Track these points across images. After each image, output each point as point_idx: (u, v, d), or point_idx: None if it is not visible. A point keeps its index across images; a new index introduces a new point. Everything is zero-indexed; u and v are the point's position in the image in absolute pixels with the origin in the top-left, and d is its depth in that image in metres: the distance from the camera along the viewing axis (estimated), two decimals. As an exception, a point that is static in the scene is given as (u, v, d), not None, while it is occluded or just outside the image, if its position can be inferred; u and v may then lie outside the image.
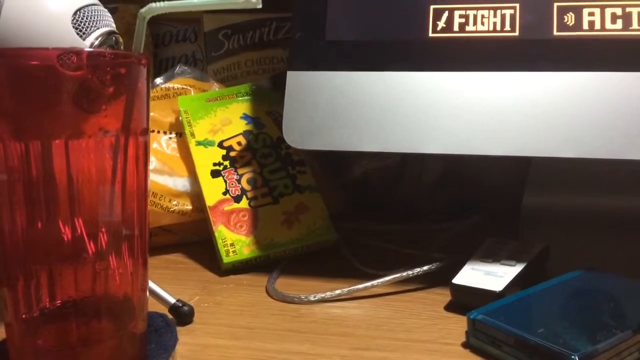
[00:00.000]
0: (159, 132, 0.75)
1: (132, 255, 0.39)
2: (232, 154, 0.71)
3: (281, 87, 0.61)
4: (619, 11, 0.53)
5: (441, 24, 0.57)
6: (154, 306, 0.49)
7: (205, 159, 0.70)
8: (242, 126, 0.73)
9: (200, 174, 0.69)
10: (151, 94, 0.76)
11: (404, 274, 0.56)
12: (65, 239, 0.37)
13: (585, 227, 0.65)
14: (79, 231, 0.37)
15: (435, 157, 0.56)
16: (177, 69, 0.82)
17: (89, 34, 0.45)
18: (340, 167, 0.73)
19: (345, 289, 0.56)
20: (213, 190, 0.68)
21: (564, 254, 0.59)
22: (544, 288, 0.51)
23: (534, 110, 0.54)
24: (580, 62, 0.53)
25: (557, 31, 0.54)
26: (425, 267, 0.57)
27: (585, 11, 0.54)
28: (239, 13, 0.88)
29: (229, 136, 0.72)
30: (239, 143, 0.72)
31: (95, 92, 0.37)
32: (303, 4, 0.62)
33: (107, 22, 0.47)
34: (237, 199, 0.68)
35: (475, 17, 0.57)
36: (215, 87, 0.81)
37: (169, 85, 0.79)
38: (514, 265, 0.54)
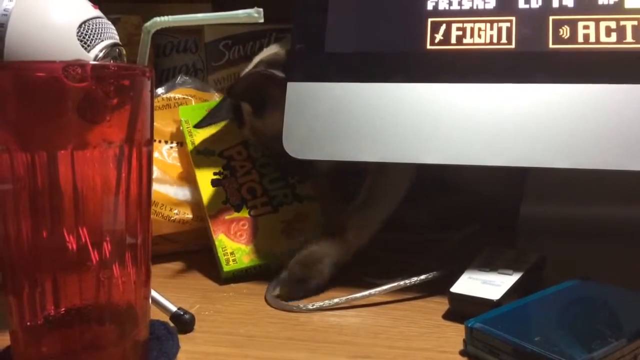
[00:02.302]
0: (160, 141, 0.76)
1: (136, 264, 0.40)
2: (233, 163, 0.71)
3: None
4: (613, 24, 0.54)
5: (439, 36, 0.58)
6: (155, 314, 0.50)
7: (206, 168, 0.71)
8: (242, 136, 0.73)
9: (201, 183, 0.70)
10: (152, 104, 0.77)
11: (402, 282, 0.57)
12: (70, 247, 0.38)
13: (582, 237, 0.66)
14: (84, 240, 0.38)
15: (433, 167, 0.56)
16: (178, 79, 0.83)
17: (94, 47, 0.46)
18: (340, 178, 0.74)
19: (344, 298, 0.56)
20: (213, 199, 0.68)
21: (561, 264, 0.59)
22: (540, 297, 0.51)
23: (530, 122, 0.54)
24: (575, 74, 0.54)
25: (553, 44, 0.55)
26: (423, 276, 0.57)
27: (580, 24, 0.55)
28: (239, 24, 0.89)
29: (229, 146, 0.73)
30: (239, 152, 0.72)
31: (99, 103, 0.38)
32: (303, 16, 0.63)
33: (110, 35, 0.48)
34: (237, 208, 0.68)
35: (472, 29, 0.57)
36: (216, 97, 0.82)
37: (170, 95, 0.80)
38: (511, 275, 0.55)
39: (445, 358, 0.47)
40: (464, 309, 0.52)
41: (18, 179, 0.37)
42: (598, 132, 0.52)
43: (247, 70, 0.72)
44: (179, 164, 0.75)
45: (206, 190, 0.69)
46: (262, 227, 0.67)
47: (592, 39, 0.54)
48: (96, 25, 0.47)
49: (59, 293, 0.38)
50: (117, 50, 0.48)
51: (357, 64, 0.60)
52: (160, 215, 0.71)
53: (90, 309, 0.39)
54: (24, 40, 0.44)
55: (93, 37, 0.46)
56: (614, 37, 0.54)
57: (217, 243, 0.65)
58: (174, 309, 0.52)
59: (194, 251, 0.73)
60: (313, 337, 0.51)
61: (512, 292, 0.52)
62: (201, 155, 0.72)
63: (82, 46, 0.46)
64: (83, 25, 0.46)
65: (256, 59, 0.72)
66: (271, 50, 0.72)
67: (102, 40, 0.47)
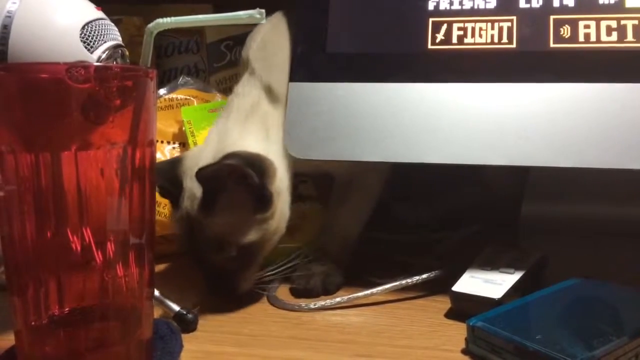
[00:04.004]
0: (162, 142, 0.76)
1: (139, 264, 0.40)
2: (235, 163, 0.71)
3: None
4: (614, 24, 0.54)
5: (440, 36, 0.58)
6: (158, 314, 0.50)
7: (208, 168, 0.70)
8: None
9: (203, 184, 0.69)
10: (155, 105, 0.77)
11: (404, 282, 0.57)
12: (74, 248, 0.38)
13: (583, 235, 0.66)
14: (88, 240, 0.38)
15: (434, 167, 0.56)
16: (180, 79, 0.84)
17: (97, 48, 0.46)
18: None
19: (346, 297, 0.56)
20: (216, 200, 0.68)
21: (562, 262, 0.59)
22: (542, 295, 0.51)
23: (531, 121, 0.54)
24: (576, 73, 0.54)
25: (554, 43, 0.55)
26: (424, 275, 0.57)
27: (581, 24, 0.55)
28: (241, 25, 0.89)
29: (232, 146, 0.73)
30: (241, 153, 0.72)
31: (102, 104, 0.38)
32: (304, 17, 0.64)
33: (113, 36, 0.49)
34: (240, 208, 0.68)
35: (473, 29, 0.58)
36: (218, 98, 0.82)
37: (173, 95, 0.80)
38: (512, 273, 0.55)
39: (447, 357, 0.47)
40: (465, 308, 0.52)
41: (22, 180, 0.37)
42: (599, 131, 0.53)
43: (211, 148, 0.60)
44: (181, 165, 0.75)
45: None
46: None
47: (593, 38, 0.54)
48: (99, 26, 0.47)
49: (63, 293, 0.39)
50: (120, 51, 0.49)
51: (358, 64, 0.60)
52: (163, 215, 0.71)
53: (94, 308, 0.39)
54: (27, 42, 0.44)
55: (96, 38, 0.46)
56: (614, 36, 0.54)
57: (219, 243, 0.65)
58: (177, 308, 0.52)
59: (196, 251, 0.73)
60: (315, 336, 0.51)
61: (514, 291, 0.53)
62: (203, 155, 0.72)
63: (85, 47, 0.46)
64: (86, 27, 0.46)
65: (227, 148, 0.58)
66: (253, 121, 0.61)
67: (105, 42, 0.47)
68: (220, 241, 0.55)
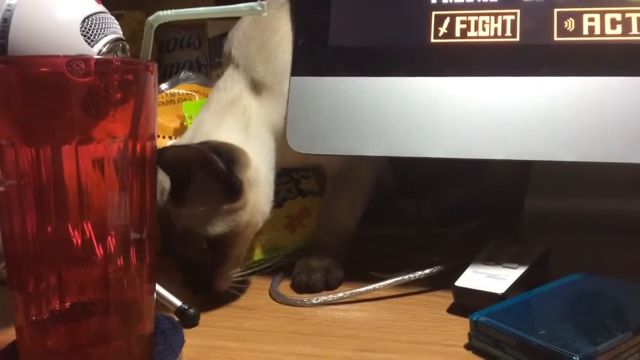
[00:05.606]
0: (164, 137, 0.76)
1: (140, 259, 0.40)
2: (236, 158, 0.71)
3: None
4: (618, 17, 0.54)
5: (443, 29, 0.58)
6: (160, 308, 0.50)
7: (210, 163, 0.70)
8: None
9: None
10: (156, 100, 0.77)
11: (406, 277, 0.57)
12: (75, 242, 0.38)
13: (586, 230, 0.66)
14: (88, 235, 0.38)
15: (437, 162, 0.56)
16: (182, 74, 0.83)
17: (97, 41, 0.46)
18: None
19: (348, 292, 0.56)
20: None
21: (565, 257, 0.59)
22: (545, 290, 0.51)
23: (535, 115, 0.54)
24: (580, 67, 0.54)
25: (558, 36, 0.55)
26: (427, 270, 0.57)
27: (585, 17, 0.54)
28: (242, 19, 0.89)
29: (233, 141, 0.72)
30: (243, 148, 0.72)
31: (103, 98, 0.38)
32: (307, 11, 0.63)
33: (114, 30, 0.48)
34: (242, 203, 0.68)
35: (476, 22, 0.57)
36: (220, 93, 0.82)
37: (174, 90, 0.80)
38: (515, 268, 0.54)
39: (450, 352, 0.47)
40: (468, 303, 0.52)
41: (23, 174, 0.37)
42: (603, 125, 0.52)
43: (185, 138, 0.61)
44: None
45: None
46: (266, 222, 0.67)
47: (597, 31, 0.54)
48: (99, 20, 0.47)
49: (64, 288, 0.38)
50: (121, 45, 0.48)
51: (361, 58, 0.60)
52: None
53: (95, 303, 0.39)
54: (27, 35, 0.44)
55: (96, 32, 0.46)
56: (619, 29, 0.53)
57: (221, 238, 0.65)
58: (178, 303, 0.52)
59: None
60: (317, 331, 0.51)
61: (517, 286, 0.52)
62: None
63: (86, 41, 0.46)
64: (86, 20, 0.46)
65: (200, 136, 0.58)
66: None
67: (106, 35, 0.47)
68: (189, 234, 0.54)
